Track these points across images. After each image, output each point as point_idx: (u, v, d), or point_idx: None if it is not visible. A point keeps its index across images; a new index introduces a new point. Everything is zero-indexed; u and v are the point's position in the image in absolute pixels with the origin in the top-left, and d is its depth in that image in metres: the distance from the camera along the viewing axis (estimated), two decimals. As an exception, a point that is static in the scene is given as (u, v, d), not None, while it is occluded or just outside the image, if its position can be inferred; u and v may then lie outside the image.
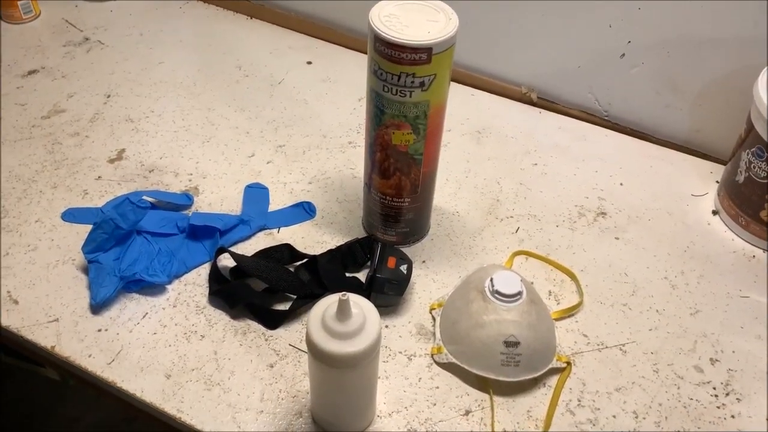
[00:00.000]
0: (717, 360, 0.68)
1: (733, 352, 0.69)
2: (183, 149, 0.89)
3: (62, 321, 0.68)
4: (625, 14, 0.87)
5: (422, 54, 0.60)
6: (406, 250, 0.77)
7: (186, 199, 0.81)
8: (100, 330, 0.68)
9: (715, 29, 0.83)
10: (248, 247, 0.76)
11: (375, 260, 0.70)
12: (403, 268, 0.70)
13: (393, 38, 0.60)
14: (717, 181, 0.86)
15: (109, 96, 0.97)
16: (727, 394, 0.65)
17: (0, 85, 0.97)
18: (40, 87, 0.98)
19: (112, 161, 0.87)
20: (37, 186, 0.83)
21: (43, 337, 0.67)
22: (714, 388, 0.66)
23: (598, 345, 0.69)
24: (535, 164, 0.89)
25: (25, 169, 0.85)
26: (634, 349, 0.69)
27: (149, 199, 0.77)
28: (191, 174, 0.85)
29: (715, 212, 0.84)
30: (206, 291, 0.72)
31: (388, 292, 0.68)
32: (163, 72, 1.02)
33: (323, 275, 0.70)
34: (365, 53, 0.64)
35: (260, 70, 1.03)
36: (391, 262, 0.69)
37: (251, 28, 1.12)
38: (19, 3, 1.07)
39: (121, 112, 0.94)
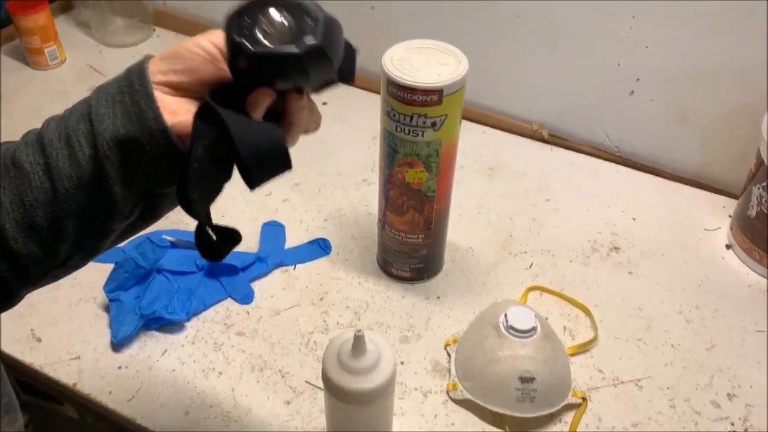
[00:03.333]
0: (734, 395, 0.68)
1: (751, 386, 0.69)
2: (202, 189, 0.91)
3: (84, 358, 0.70)
4: (632, 53, 0.88)
5: (433, 95, 0.62)
6: (421, 286, 0.78)
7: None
8: (120, 367, 0.69)
9: (722, 65, 0.84)
10: (264, 284, 0.77)
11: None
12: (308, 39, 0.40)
13: (405, 81, 0.62)
14: (730, 215, 0.87)
15: (130, 138, 0.99)
16: (746, 430, 0.65)
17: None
18: (64, 130, 1.01)
19: (133, 201, 0.89)
20: (61, 226, 0.85)
21: (65, 374, 0.68)
22: (732, 424, 0.65)
23: (613, 380, 0.69)
24: (548, 200, 0.90)
25: (50, 210, 0.87)
26: (650, 384, 0.69)
27: (169, 239, 0.79)
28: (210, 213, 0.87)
29: (728, 246, 0.84)
30: (224, 328, 0.73)
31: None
32: (182, 114, 1.05)
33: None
34: (379, 93, 0.66)
35: (277, 111, 1.06)
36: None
37: (268, 70, 1.15)
38: (46, 50, 1.11)
39: (143, 154, 0.97)
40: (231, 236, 0.46)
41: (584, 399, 0.66)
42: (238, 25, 0.40)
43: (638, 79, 0.90)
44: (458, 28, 0.97)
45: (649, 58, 0.88)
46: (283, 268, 0.80)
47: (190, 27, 1.21)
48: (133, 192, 0.42)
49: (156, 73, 0.41)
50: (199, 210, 0.43)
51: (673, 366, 0.70)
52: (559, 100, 0.98)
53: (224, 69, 0.42)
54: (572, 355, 0.70)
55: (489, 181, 0.93)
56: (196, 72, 0.42)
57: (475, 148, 0.98)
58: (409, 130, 0.65)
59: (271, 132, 0.43)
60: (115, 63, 1.16)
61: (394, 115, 0.64)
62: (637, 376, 0.69)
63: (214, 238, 0.45)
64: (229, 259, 0.77)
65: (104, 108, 0.40)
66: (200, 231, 0.44)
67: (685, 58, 0.86)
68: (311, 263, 0.81)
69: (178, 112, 0.41)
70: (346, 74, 0.49)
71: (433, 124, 0.64)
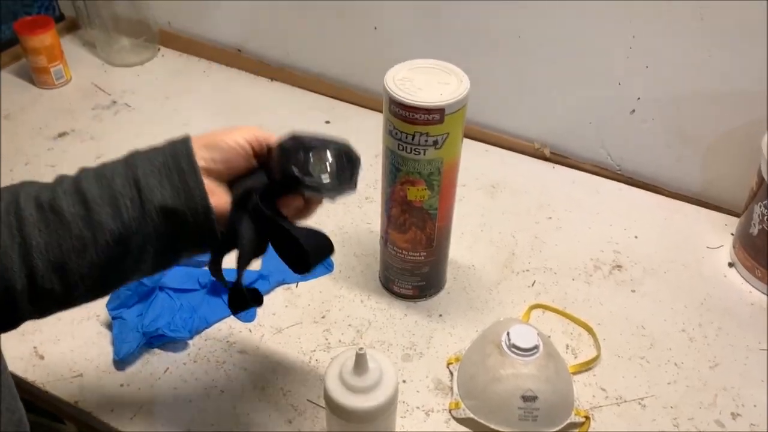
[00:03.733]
0: (738, 414, 0.67)
1: (755, 406, 0.68)
2: (205, 207, 0.91)
3: (86, 376, 0.70)
4: (633, 72, 0.89)
5: (435, 115, 0.62)
6: (423, 304, 0.78)
7: (207, 256, 0.82)
8: (122, 385, 0.69)
9: (723, 84, 0.85)
10: (267, 302, 0.77)
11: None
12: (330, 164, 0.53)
13: (407, 100, 0.62)
14: (732, 234, 0.87)
15: (135, 156, 1.00)
16: (751, 450, 0.65)
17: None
18: (69, 149, 1.02)
19: (136, 219, 0.89)
20: (65, 244, 0.85)
21: (67, 392, 0.68)
22: (737, 444, 0.65)
23: (616, 399, 0.69)
24: (550, 218, 0.91)
25: (54, 228, 0.87)
26: (653, 403, 0.68)
27: (172, 256, 0.79)
28: (213, 231, 0.88)
29: (731, 264, 0.84)
30: (226, 346, 0.73)
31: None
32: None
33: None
34: (381, 112, 0.67)
35: (281, 130, 1.06)
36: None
37: (273, 89, 1.16)
38: (52, 70, 1.13)
39: (147, 172, 0.97)
40: (257, 295, 0.58)
41: (587, 418, 0.66)
42: (295, 158, 0.52)
43: (639, 98, 0.91)
44: (460, 48, 0.98)
45: (650, 78, 0.89)
46: (286, 285, 0.80)
47: (195, 47, 1.23)
48: (161, 253, 0.49)
49: (199, 158, 0.49)
50: (240, 277, 0.54)
51: (677, 384, 0.70)
52: (560, 118, 0.98)
53: (253, 163, 0.53)
54: (575, 373, 0.70)
55: (491, 199, 0.94)
56: (231, 163, 0.51)
57: (477, 167, 0.99)
58: (411, 149, 0.65)
59: (322, 235, 0.54)
60: (120, 82, 1.17)
61: (396, 134, 0.65)
62: (640, 395, 0.69)
63: (248, 297, 0.56)
64: (231, 277, 0.77)
65: (153, 179, 0.48)
66: (236, 291, 0.56)
67: (686, 77, 0.87)
68: (313, 281, 0.81)
69: (214, 193, 0.49)
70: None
71: (435, 143, 0.64)
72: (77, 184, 0.48)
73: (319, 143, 0.54)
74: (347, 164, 0.53)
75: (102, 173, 0.49)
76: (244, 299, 0.56)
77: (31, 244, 0.46)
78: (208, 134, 0.52)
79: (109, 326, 0.74)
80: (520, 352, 0.64)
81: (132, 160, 0.49)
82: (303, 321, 0.76)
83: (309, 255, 0.52)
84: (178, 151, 0.49)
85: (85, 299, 0.50)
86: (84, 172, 0.50)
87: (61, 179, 0.50)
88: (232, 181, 0.53)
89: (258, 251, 0.54)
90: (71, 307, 0.51)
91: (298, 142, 0.53)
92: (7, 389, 0.41)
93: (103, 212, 0.47)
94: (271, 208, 0.52)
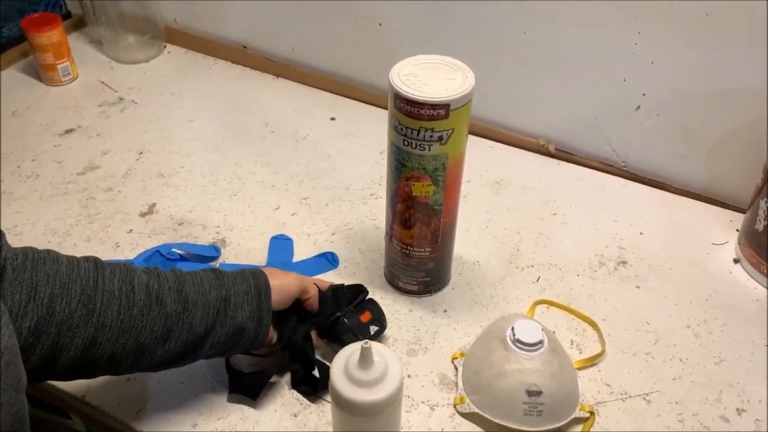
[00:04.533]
0: (744, 410, 0.67)
1: (760, 401, 0.68)
2: (211, 203, 0.92)
3: (93, 370, 0.70)
4: (638, 68, 0.89)
5: (440, 110, 0.62)
6: (428, 300, 0.78)
7: (214, 251, 0.83)
8: (128, 379, 0.69)
9: (728, 80, 0.85)
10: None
11: (350, 306, 0.70)
12: (373, 328, 0.70)
13: (412, 96, 0.62)
14: (737, 230, 0.86)
15: (141, 153, 1.01)
16: (756, 445, 0.65)
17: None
18: (76, 145, 1.02)
19: (143, 215, 0.90)
20: (72, 239, 0.86)
21: (74, 386, 0.69)
22: (741, 439, 0.65)
23: (621, 394, 0.69)
24: (555, 214, 0.91)
25: (61, 223, 0.88)
26: (658, 398, 0.68)
27: (178, 251, 0.80)
28: (219, 226, 0.88)
29: (736, 260, 0.84)
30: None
31: (347, 340, 0.66)
32: (192, 129, 1.06)
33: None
34: (386, 109, 0.67)
35: (286, 126, 1.07)
36: (366, 316, 0.70)
37: (277, 86, 1.17)
38: (59, 67, 1.13)
39: (153, 168, 0.98)
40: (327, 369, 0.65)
41: (592, 413, 0.66)
42: (342, 310, 0.69)
43: (644, 95, 0.91)
44: (465, 44, 0.98)
45: (655, 74, 0.88)
46: (291, 281, 0.80)
47: (201, 44, 1.23)
48: (215, 354, 0.62)
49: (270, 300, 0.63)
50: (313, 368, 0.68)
51: (682, 380, 0.70)
52: (565, 114, 0.98)
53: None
54: (580, 369, 0.70)
55: (496, 195, 0.94)
56: (282, 305, 0.65)
57: (482, 163, 0.99)
58: (416, 144, 0.65)
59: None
60: (126, 79, 1.18)
61: (402, 129, 0.65)
62: (645, 391, 0.69)
63: (318, 375, 0.67)
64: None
65: (240, 303, 0.61)
66: (308, 375, 0.67)
67: (691, 73, 0.86)
68: (319, 276, 0.81)
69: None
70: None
71: (440, 138, 0.64)
72: (180, 285, 0.58)
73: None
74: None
75: (201, 282, 0.60)
76: (315, 379, 0.68)
77: (133, 325, 0.55)
78: (276, 275, 0.65)
79: (116, 321, 0.74)
80: (525, 347, 0.64)
81: (221, 276, 0.62)
82: (308, 316, 0.76)
83: (318, 381, 0.67)
84: (262, 290, 0.62)
85: (139, 371, 0.59)
86: (183, 274, 0.60)
87: (163, 272, 0.59)
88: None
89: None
90: (123, 374, 0.59)
91: (354, 303, 0.71)
92: (9, 382, 0.42)
93: (195, 315, 0.58)
94: (303, 338, 0.68)
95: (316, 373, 0.67)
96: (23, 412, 0.44)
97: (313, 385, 0.67)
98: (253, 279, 0.63)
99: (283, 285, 0.64)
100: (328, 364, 0.67)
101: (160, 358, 0.57)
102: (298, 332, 0.67)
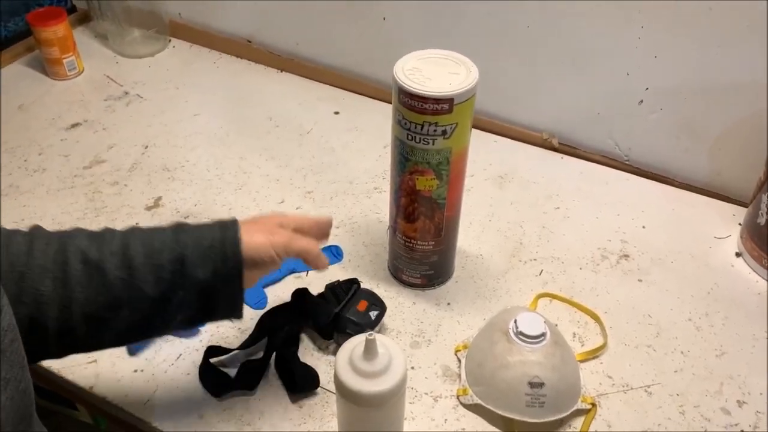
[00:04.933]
0: (744, 402, 0.68)
1: (761, 394, 0.69)
2: (216, 196, 0.93)
3: (100, 362, 0.71)
4: (641, 62, 0.89)
5: (444, 104, 0.63)
6: (432, 293, 0.79)
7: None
8: (136, 371, 0.70)
9: (731, 74, 0.85)
10: (277, 290, 0.78)
11: (346, 300, 0.71)
12: (373, 313, 0.71)
13: (416, 90, 0.63)
14: (739, 224, 0.87)
15: (147, 147, 1.01)
16: (756, 437, 0.65)
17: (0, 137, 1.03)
18: (82, 139, 1.03)
19: (149, 208, 0.91)
20: (79, 233, 0.87)
21: (81, 377, 0.70)
22: (742, 431, 0.66)
23: (623, 386, 0.69)
24: (558, 208, 0.91)
25: (67, 217, 0.89)
26: (660, 390, 0.69)
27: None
28: (224, 220, 0.89)
29: (738, 254, 0.84)
30: (238, 333, 0.74)
31: (351, 333, 0.68)
32: (198, 123, 1.07)
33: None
34: (390, 103, 0.68)
35: (290, 120, 1.08)
36: (362, 305, 0.71)
37: (282, 80, 1.17)
38: (64, 61, 1.14)
39: (158, 162, 0.99)
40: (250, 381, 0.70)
41: (594, 405, 0.67)
42: (341, 304, 0.71)
43: (647, 89, 0.91)
44: (469, 38, 0.99)
45: (658, 68, 0.89)
46: (296, 274, 0.81)
47: (205, 38, 1.23)
48: (191, 318, 0.56)
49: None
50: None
51: (683, 373, 0.71)
52: (568, 109, 0.99)
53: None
54: (582, 361, 0.71)
55: (499, 189, 0.94)
56: (263, 274, 0.58)
57: (485, 157, 0.99)
58: (420, 139, 0.66)
59: (314, 374, 0.69)
60: (131, 73, 1.18)
61: (405, 124, 0.66)
62: (646, 383, 0.70)
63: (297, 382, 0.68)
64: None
65: (199, 262, 0.53)
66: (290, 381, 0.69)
67: (694, 67, 0.87)
68: (323, 272, 0.81)
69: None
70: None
71: (444, 133, 0.65)
72: (125, 249, 0.53)
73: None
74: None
75: (151, 242, 0.54)
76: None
77: (71, 297, 0.51)
78: (252, 225, 0.57)
79: (123, 313, 0.75)
80: (528, 340, 0.64)
81: (182, 235, 0.55)
82: (313, 309, 0.77)
83: (297, 385, 0.68)
84: (227, 238, 0.55)
85: (111, 346, 0.57)
86: (132, 236, 0.54)
87: (111, 237, 0.54)
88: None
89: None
90: (95, 351, 0.57)
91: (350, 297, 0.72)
92: (15, 359, 0.42)
93: (146, 279, 0.52)
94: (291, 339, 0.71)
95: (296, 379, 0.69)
96: (30, 389, 0.45)
97: (291, 389, 0.68)
98: (221, 232, 0.55)
99: (261, 258, 0.56)
100: (315, 370, 0.69)
101: (122, 326, 0.53)
102: (288, 341, 0.70)
